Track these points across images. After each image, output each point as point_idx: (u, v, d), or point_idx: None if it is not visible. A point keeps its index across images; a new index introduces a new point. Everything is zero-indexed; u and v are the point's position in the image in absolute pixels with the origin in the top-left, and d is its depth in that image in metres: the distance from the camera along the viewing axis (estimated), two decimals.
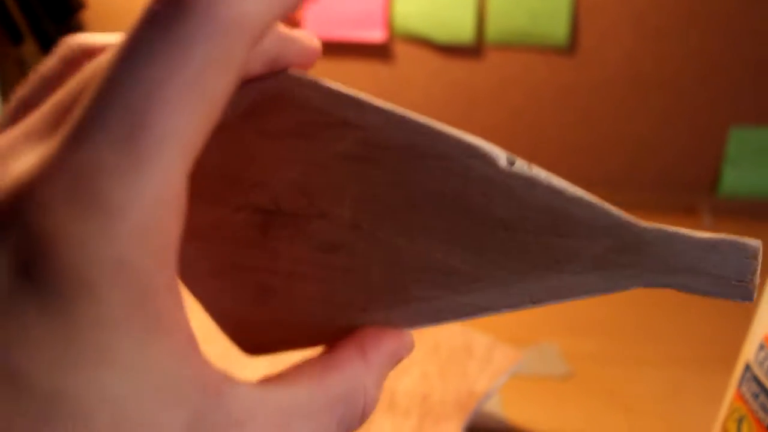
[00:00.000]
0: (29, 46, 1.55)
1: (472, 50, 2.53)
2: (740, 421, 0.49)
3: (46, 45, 1.55)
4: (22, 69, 1.59)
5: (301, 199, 0.25)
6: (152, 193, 0.16)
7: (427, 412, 0.59)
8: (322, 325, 0.26)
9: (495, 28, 2.45)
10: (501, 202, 0.24)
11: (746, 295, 0.23)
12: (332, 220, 0.25)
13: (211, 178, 0.26)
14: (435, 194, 0.24)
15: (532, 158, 2.68)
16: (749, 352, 0.50)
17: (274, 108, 0.25)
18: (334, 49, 2.71)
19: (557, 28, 2.42)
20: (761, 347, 0.48)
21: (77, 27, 1.66)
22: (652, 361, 0.97)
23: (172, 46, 0.16)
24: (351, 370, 0.23)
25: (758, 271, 0.23)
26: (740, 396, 0.50)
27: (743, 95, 2.43)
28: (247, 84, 0.25)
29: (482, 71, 2.54)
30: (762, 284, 0.51)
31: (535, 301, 0.25)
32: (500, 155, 0.24)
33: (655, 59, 2.44)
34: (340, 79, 2.66)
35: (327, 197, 0.25)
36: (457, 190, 0.24)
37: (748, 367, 0.50)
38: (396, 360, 0.26)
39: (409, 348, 0.27)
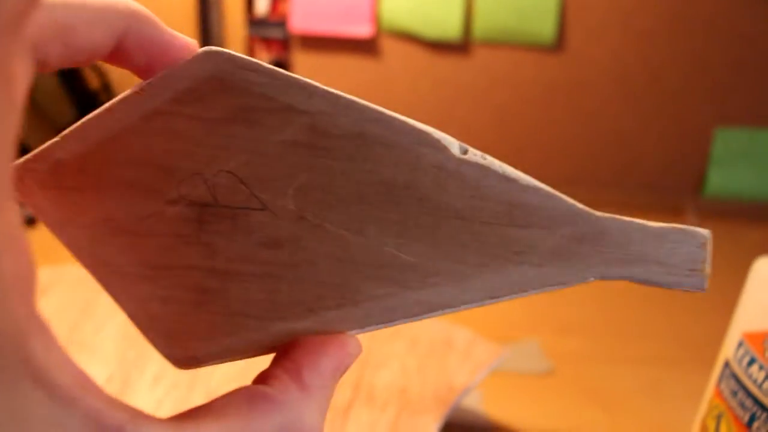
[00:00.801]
0: None
1: (459, 47, 2.53)
2: (719, 418, 0.49)
3: None
4: None
5: (241, 190, 0.24)
6: None
7: (404, 405, 0.58)
8: (264, 331, 0.24)
9: (482, 25, 2.45)
10: (454, 191, 0.24)
11: (698, 284, 0.24)
12: (275, 212, 0.24)
13: (141, 169, 0.24)
14: (385, 184, 0.24)
15: (516, 157, 2.68)
16: (729, 349, 0.50)
17: (210, 93, 0.23)
18: (320, 43, 2.70)
19: (544, 26, 2.43)
20: (740, 345, 0.48)
21: None
22: (632, 359, 0.97)
23: None
24: (285, 400, 0.21)
25: (708, 260, 0.24)
26: (719, 393, 0.50)
27: (729, 96, 2.45)
28: (175, 67, 0.23)
29: (469, 68, 2.54)
30: (739, 282, 0.51)
31: (494, 296, 0.24)
32: (453, 142, 0.24)
33: (642, 59, 2.45)
34: (326, 73, 2.65)
35: (269, 188, 0.24)
36: (408, 179, 0.24)
37: (727, 365, 0.50)
38: (340, 373, 0.24)
39: (356, 353, 0.25)
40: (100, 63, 0.23)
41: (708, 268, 0.24)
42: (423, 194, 0.24)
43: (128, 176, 0.24)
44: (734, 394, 0.48)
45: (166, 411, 0.62)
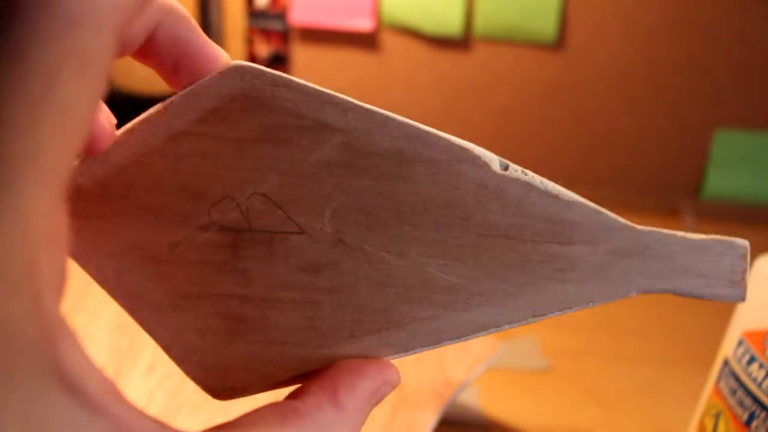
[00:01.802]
0: None
1: (459, 43, 2.52)
2: (717, 417, 0.49)
3: None
4: None
5: (276, 213, 0.23)
6: (10, 236, 0.14)
7: (401, 399, 0.58)
8: (305, 358, 0.24)
9: (483, 21, 2.44)
10: (496, 209, 0.23)
11: (739, 295, 0.23)
12: (312, 236, 0.23)
13: (168, 193, 0.23)
14: (425, 203, 0.23)
15: (515, 155, 2.68)
16: (728, 348, 0.50)
17: (238, 111, 0.22)
18: (320, 36, 2.70)
19: (546, 24, 2.42)
20: (740, 343, 0.48)
21: None
22: (630, 358, 0.97)
23: (8, 55, 0.14)
24: (318, 418, 0.21)
25: (748, 270, 0.23)
26: (718, 392, 0.50)
27: (729, 98, 2.44)
28: (201, 84, 0.22)
29: (469, 64, 2.54)
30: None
31: (538, 314, 0.24)
32: (493, 158, 0.23)
33: (642, 59, 2.44)
34: (326, 66, 2.64)
35: (305, 210, 0.23)
36: (448, 197, 0.23)
37: (726, 363, 0.49)
38: (378, 399, 0.23)
39: (395, 383, 0.24)
40: None
41: (747, 279, 0.23)
42: (464, 213, 0.23)
43: (155, 202, 0.23)
44: (733, 392, 0.47)
45: (158, 402, 0.62)
